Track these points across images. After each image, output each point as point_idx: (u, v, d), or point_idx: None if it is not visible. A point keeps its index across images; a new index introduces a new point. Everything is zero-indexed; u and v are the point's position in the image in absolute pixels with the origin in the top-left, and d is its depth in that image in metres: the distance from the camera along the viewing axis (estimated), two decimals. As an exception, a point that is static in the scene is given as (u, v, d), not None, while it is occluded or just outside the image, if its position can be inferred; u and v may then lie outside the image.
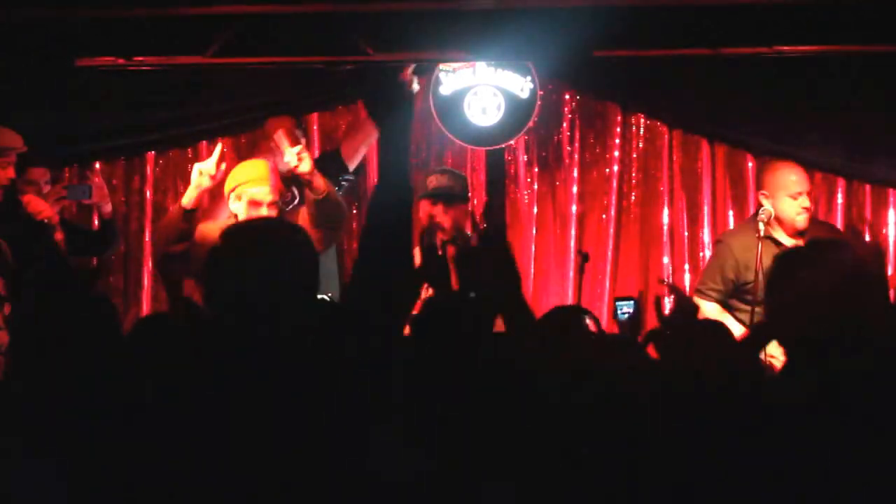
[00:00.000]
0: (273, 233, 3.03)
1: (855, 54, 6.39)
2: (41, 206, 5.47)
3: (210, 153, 7.02)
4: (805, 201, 5.90)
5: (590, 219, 7.16)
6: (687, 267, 7.07)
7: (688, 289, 6.96)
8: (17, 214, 5.29)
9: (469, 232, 5.84)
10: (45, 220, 5.45)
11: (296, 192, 6.06)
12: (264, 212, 5.47)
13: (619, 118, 7.11)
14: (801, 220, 5.89)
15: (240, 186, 5.50)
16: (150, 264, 7.07)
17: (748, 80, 6.57)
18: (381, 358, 3.06)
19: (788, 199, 5.87)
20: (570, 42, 6.33)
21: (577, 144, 7.15)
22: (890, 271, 6.76)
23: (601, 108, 7.14)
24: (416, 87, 6.32)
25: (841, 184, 6.88)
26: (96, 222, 6.63)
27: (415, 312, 3.37)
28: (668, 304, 5.28)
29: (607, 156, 7.13)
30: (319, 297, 3.26)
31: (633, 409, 2.96)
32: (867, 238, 6.78)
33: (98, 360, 3.17)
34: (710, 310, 5.96)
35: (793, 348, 3.04)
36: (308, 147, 7.13)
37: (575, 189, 7.14)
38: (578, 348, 3.37)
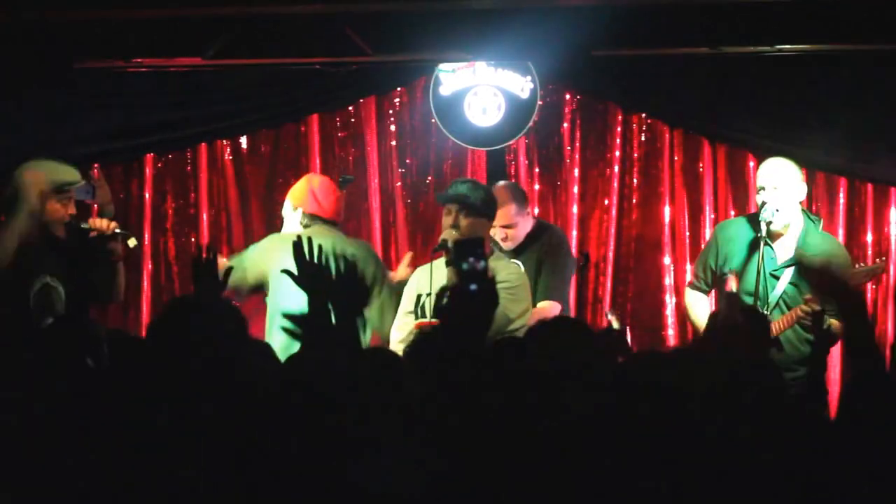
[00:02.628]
0: None
1: (855, 54, 6.38)
2: (104, 224, 5.31)
3: (210, 153, 7.06)
4: (764, 197, 5.63)
5: (591, 219, 7.15)
6: (688, 267, 7.05)
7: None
8: (84, 248, 5.18)
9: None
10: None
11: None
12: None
13: (619, 118, 7.09)
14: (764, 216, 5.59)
15: None
16: (150, 266, 7.06)
17: (749, 80, 6.56)
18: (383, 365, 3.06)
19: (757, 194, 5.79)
20: (571, 42, 6.33)
21: (577, 144, 7.14)
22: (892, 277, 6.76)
23: (602, 108, 7.13)
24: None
25: (842, 183, 6.86)
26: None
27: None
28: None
29: (608, 156, 7.12)
30: None
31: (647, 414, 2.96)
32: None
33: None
34: (692, 300, 5.95)
35: None
36: (308, 149, 7.15)
37: (576, 189, 7.13)
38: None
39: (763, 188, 5.66)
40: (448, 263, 5.18)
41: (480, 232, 5.27)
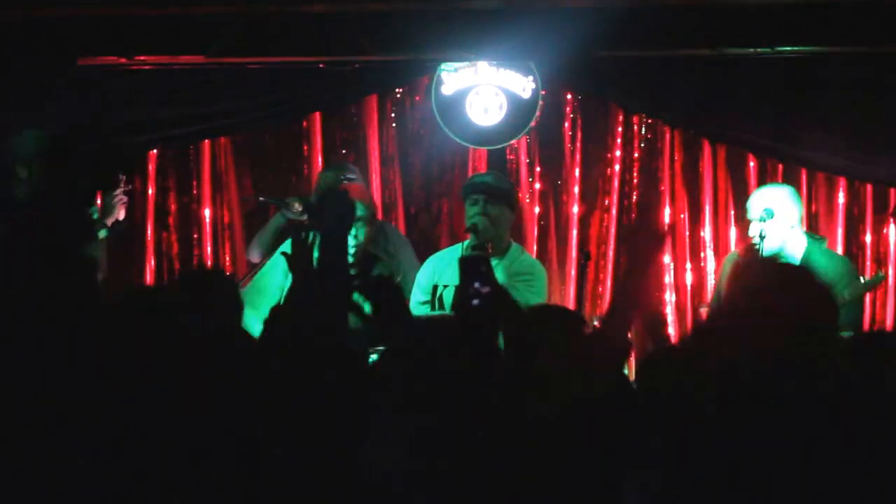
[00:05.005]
0: None
1: (855, 55, 6.39)
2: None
3: (213, 151, 7.09)
4: (751, 230, 5.69)
5: (591, 218, 7.17)
6: (689, 266, 7.07)
7: (688, 289, 7.00)
8: None
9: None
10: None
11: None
12: None
13: (620, 118, 7.11)
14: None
15: None
16: (153, 262, 7.09)
17: (749, 81, 6.57)
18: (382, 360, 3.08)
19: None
20: (573, 42, 6.35)
21: (578, 144, 7.16)
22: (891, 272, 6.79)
23: (603, 108, 7.14)
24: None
25: (842, 183, 6.88)
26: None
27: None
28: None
29: (609, 156, 7.14)
30: None
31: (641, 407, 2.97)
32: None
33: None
34: None
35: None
36: (310, 147, 7.17)
37: (576, 189, 7.15)
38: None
39: (752, 220, 5.70)
40: (471, 249, 5.30)
41: (505, 221, 5.45)
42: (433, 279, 5.45)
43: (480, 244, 5.33)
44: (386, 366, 3.02)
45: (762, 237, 5.60)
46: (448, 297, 5.32)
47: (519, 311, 3.55)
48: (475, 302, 3.43)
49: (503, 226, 5.46)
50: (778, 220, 5.65)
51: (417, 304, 5.40)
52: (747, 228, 5.74)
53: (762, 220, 5.62)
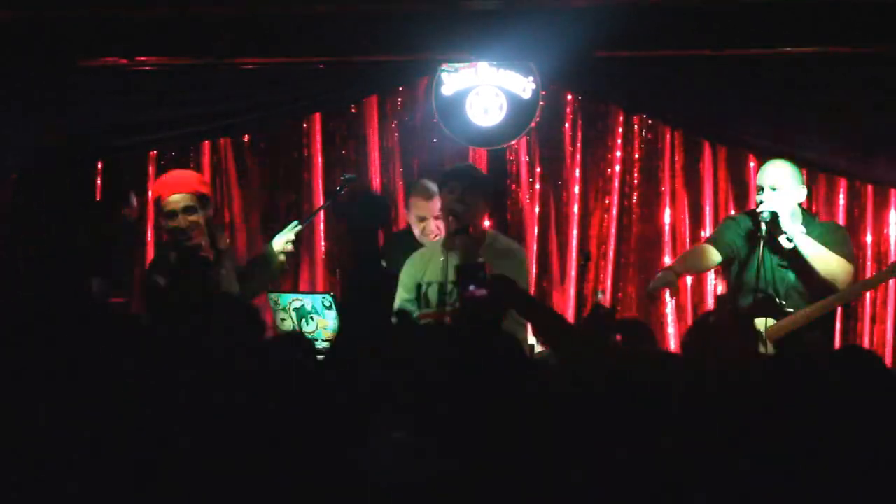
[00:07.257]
0: None
1: (855, 54, 6.40)
2: None
3: (213, 151, 7.09)
4: (762, 195, 5.64)
5: (591, 219, 7.17)
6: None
7: (689, 289, 7.00)
8: None
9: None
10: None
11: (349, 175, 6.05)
12: (179, 219, 5.34)
13: (620, 119, 7.10)
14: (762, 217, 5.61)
15: (159, 198, 5.43)
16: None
17: (749, 81, 6.58)
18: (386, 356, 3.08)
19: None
20: (573, 42, 6.36)
21: (578, 145, 7.15)
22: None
23: (603, 109, 7.14)
24: None
25: (842, 184, 6.88)
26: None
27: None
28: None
29: (609, 156, 7.14)
30: None
31: (650, 405, 2.96)
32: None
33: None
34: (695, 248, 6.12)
35: None
36: (310, 147, 7.17)
37: (576, 189, 7.14)
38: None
39: (762, 189, 5.68)
40: (445, 243, 5.33)
41: (480, 212, 5.40)
42: (416, 277, 5.41)
43: (462, 228, 5.25)
44: (386, 371, 3.02)
45: (768, 211, 5.57)
46: (433, 294, 5.32)
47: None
48: (468, 306, 3.45)
49: (479, 215, 5.40)
50: (784, 194, 5.62)
51: (403, 302, 5.41)
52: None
53: (761, 191, 5.63)
